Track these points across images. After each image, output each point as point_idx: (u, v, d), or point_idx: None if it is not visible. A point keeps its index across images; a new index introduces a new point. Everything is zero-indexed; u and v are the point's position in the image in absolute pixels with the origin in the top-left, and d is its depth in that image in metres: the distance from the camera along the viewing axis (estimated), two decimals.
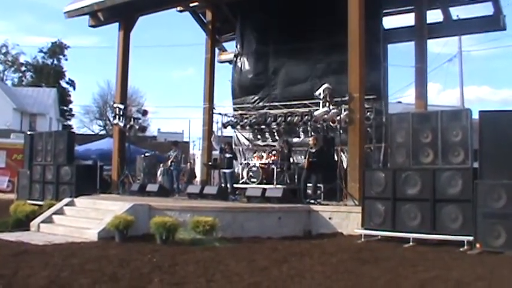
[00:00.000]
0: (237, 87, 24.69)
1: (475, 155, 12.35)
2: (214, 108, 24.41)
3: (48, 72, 70.53)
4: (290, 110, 21.65)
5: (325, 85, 16.58)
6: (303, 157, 19.42)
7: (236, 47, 25.12)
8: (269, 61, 23.75)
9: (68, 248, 11.24)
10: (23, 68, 73.45)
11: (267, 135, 23.26)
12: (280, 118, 21.78)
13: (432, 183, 12.58)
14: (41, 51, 72.12)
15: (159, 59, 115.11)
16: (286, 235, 14.09)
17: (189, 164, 27.02)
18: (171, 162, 20.79)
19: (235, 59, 24.98)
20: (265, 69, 23.87)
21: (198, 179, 27.90)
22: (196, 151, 35.62)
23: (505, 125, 11.78)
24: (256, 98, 23.68)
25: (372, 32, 19.25)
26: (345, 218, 14.71)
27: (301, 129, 21.99)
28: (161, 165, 23.88)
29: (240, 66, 24.65)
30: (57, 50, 72.17)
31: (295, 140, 22.14)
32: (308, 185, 16.85)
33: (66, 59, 73.34)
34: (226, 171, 19.19)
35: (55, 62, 72.72)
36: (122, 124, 21.30)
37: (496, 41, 77.92)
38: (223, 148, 20.08)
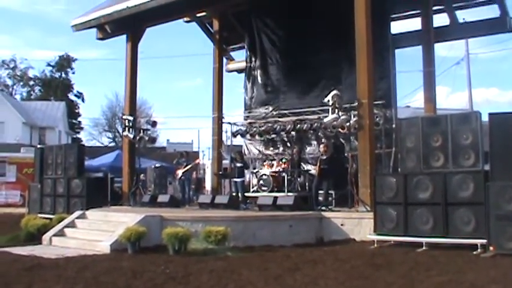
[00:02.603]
0: (249, 98, 24.64)
1: (486, 157, 12.32)
2: (223, 117, 24.41)
3: (57, 85, 71.05)
4: (299, 117, 21.55)
5: (334, 91, 16.57)
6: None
7: (247, 58, 25.08)
8: (280, 72, 23.68)
9: (80, 261, 11.24)
10: (32, 82, 74.07)
11: (278, 144, 23.19)
12: (289, 126, 21.68)
13: (443, 187, 12.53)
14: (48, 65, 72.80)
15: (167, 70, 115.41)
16: (298, 243, 14.07)
17: (194, 173, 27.05)
18: (184, 172, 20.79)
19: (246, 70, 24.94)
20: (277, 80, 23.81)
21: (208, 188, 27.95)
22: (206, 161, 35.68)
23: None
24: (268, 108, 23.59)
25: (380, 38, 19.21)
26: (357, 224, 14.68)
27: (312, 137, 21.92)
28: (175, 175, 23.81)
29: (251, 77, 24.59)
30: (64, 63, 72.72)
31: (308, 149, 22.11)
32: (319, 192, 16.85)
33: (74, 72, 74.03)
34: (238, 180, 19.15)
35: (63, 75, 73.19)
36: (131, 136, 21.31)
37: (503, 43, 77.77)
38: (233, 157, 20.09)
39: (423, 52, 20.09)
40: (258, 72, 24.38)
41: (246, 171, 20.24)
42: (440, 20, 21.60)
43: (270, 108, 23.42)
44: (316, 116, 20.50)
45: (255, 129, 22.97)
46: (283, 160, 20.44)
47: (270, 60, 24.10)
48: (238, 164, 19.23)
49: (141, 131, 21.45)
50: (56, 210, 18.97)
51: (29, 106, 60.06)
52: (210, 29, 26.09)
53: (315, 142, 21.84)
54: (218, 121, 24.28)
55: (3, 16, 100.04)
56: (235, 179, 19.30)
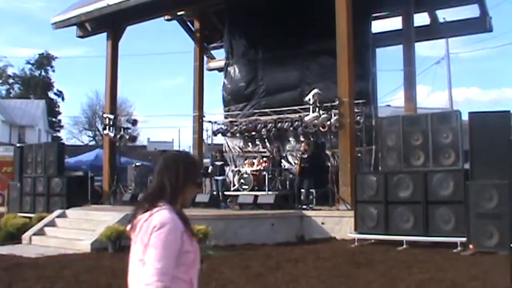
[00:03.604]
0: (227, 95, 24.55)
1: (466, 156, 12.41)
2: (204, 116, 24.36)
3: (36, 83, 70.32)
4: (280, 116, 21.54)
5: (315, 90, 16.61)
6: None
7: (226, 55, 25.04)
8: (258, 68, 23.62)
9: (60, 260, 11.18)
10: (11, 80, 73.17)
11: (258, 141, 23.16)
12: (270, 124, 21.67)
13: (424, 186, 12.60)
14: (28, 62, 71.97)
15: (148, 68, 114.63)
16: (279, 241, 14.08)
17: None
18: None
19: (225, 66, 24.90)
20: (255, 77, 23.71)
21: None
22: None
23: (495, 125, 11.81)
24: (246, 105, 23.52)
25: (361, 37, 19.28)
26: (337, 223, 14.72)
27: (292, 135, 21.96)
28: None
29: (230, 74, 24.51)
30: (44, 61, 71.96)
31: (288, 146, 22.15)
32: (301, 190, 16.86)
33: (54, 71, 73.17)
34: (218, 178, 19.15)
35: (43, 73, 72.53)
36: (112, 134, 21.22)
37: (483, 42, 78.40)
38: (214, 155, 20.07)
39: (404, 51, 20.21)
40: (236, 70, 24.33)
41: (226, 169, 20.23)
42: (421, 19, 21.77)
43: (249, 106, 23.40)
44: (297, 115, 20.51)
45: (236, 127, 22.94)
46: (264, 158, 20.40)
47: (247, 57, 24.05)
48: (219, 163, 19.23)
49: (122, 129, 21.37)
50: (36, 209, 18.77)
51: (8, 104, 59.41)
52: (191, 27, 26.04)
53: (294, 140, 21.87)
54: (199, 119, 24.24)
55: None
56: (215, 177, 19.29)
